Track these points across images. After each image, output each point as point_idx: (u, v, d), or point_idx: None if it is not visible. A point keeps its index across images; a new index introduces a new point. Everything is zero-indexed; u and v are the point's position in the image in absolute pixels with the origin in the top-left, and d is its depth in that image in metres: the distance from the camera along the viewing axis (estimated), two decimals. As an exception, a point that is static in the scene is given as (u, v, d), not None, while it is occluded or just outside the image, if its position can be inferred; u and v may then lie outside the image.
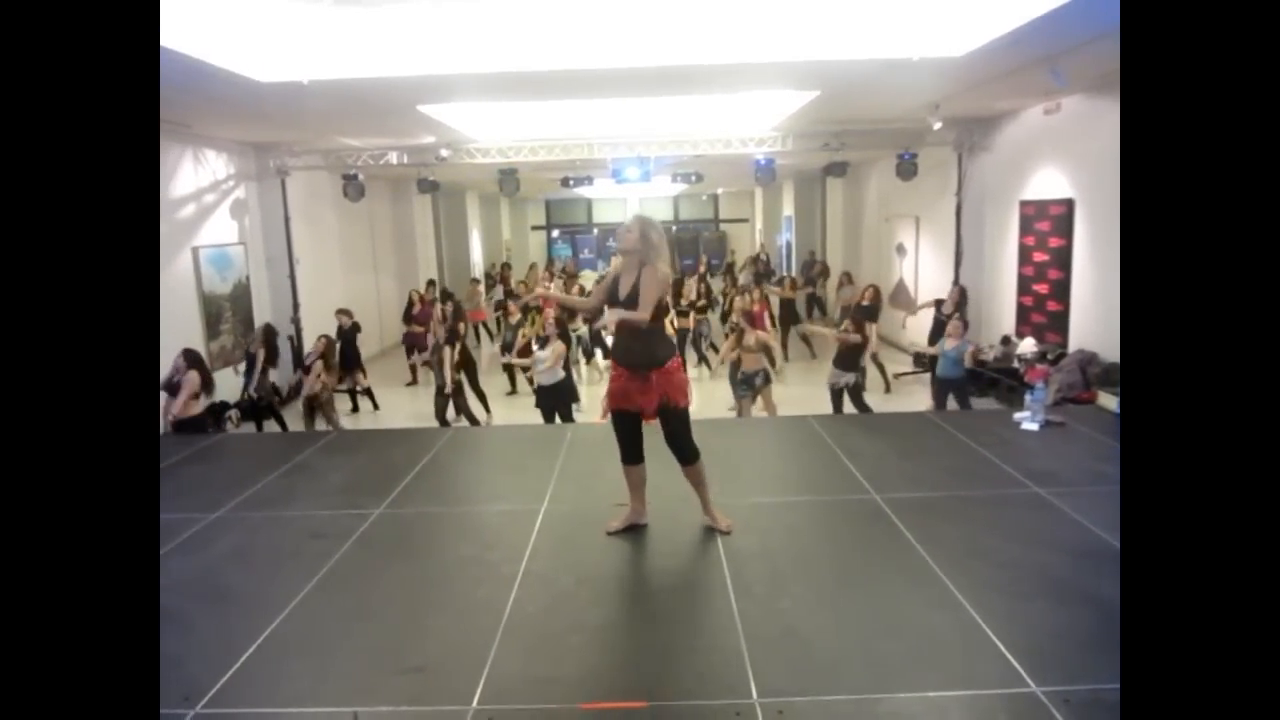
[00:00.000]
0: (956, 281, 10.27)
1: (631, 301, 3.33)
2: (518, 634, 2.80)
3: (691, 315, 11.37)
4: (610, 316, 3.33)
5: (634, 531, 3.65)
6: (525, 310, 9.64)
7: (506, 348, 9.96)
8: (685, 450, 3.48)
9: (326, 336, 8.52)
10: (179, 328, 8.25)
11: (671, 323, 11.93)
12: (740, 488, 4.16)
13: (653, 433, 3.55)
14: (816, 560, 3.34)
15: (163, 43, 5.03)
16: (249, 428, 8.79)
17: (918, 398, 9.61)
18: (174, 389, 6.04)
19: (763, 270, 16.05)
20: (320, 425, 7.90)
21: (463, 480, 4.62)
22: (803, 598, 2.98)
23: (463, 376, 8.61)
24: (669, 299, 12.27)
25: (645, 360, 3.37)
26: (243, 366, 8.97)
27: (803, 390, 10.07)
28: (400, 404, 10.55)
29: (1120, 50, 1.84)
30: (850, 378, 7.78)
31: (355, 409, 10.08)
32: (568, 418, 7.22)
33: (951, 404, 7.69)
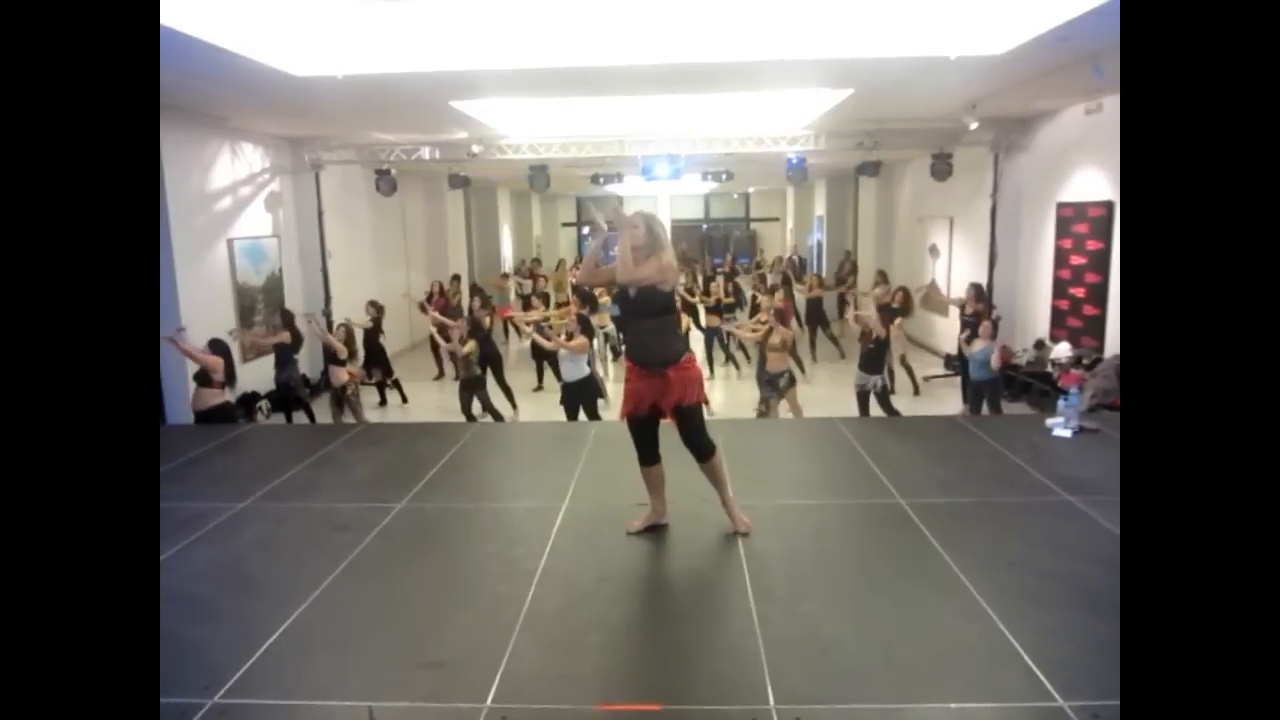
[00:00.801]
0: (990, 283, 10.11)
1: (647, 298, 3.33)
2: (535, 631, 2.79)
3: (712, 313, 11.32)
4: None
5: (655, 531, 3.62)
6: (546, 300, 9.68)
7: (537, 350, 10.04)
8: (701, 446, 3.45)
9: (346, 325, 8.57)
10: (213, 318, 8.39)
11: (698, 321, 11.91)
12: (764, 489, 4.11)
13: (672, 431, 3.52)
14: (840, 565, 3.29)
15: (200, 36, 5.11)
16: (279, 419, 8.91)
17: (948, 402, 9.48)
18: (205, 379, 6.12)
19: (792, 273, 15.93)
20: (347, 419, 7.96)
21: (485, 476, 4.62)
22: (825, 602, 2.94)
23: (487, 372, 8.64)
24: (691, 295, 12.26)
25: (661, 357, 3.35)
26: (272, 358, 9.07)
27: (831, 391, 9.99)
28: (428, 398, 10.63)
29: (1120, 59, 1.81)
30: (876, 380, 7.69)
31: (383, 402, 10.17)
32: (593, 414, 7.21)
33: (985, 408, 7.57)
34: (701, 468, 3.53)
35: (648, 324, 3.41)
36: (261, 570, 3.39)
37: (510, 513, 4.01)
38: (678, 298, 3.57)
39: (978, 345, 7.38)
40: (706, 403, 9.17)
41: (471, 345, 8.19)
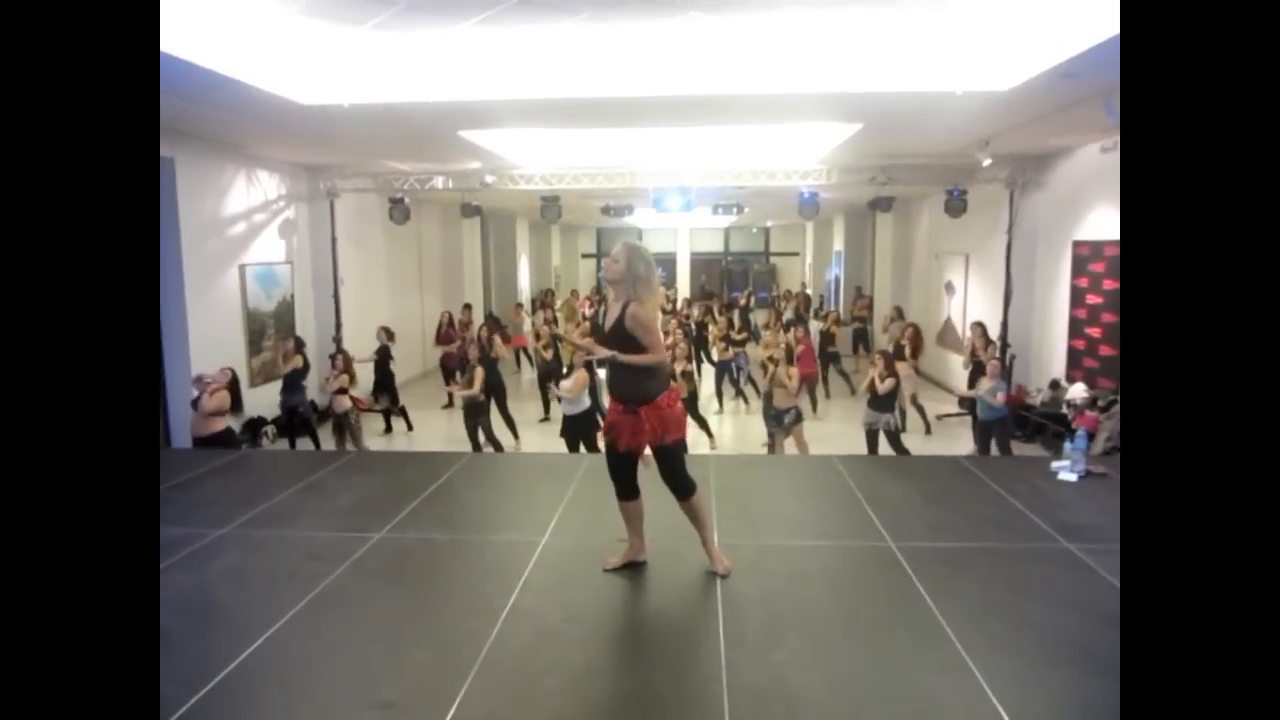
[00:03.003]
0: (1004, 321, 9.96)
1: (618, 334, 3.23)
2: (493, 673, 2.69)
3: (730, 348, 11.20)
4: (621, 358, 3.21)
5: (632, 569, 3.51)
6: (555, 338, 9.65)
7: (544, 376, 9.98)
8: (680, 485, 3.35)
9: (344, 351, 8.55)
10: (223, 343, 8.44)
11: (709, 355, 11.82)
12: (750, 528, 3.99)
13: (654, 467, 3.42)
14: (818, 610, 3.15)
15: (209, 66, 5.17)
16: (284, 444, 8.90)
17: (963, 441, 9.27)
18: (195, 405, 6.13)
19: (802, 309, 15.84)
20: (349, 446, 7.92)
21: (469, 507, 4.54)
22: (798, 650, 2.80)
23: (491, 401, 8.58)
24: (704, 330, 12.15)
25: (636, 394, 3.26)
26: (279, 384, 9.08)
27: (842, 428, 9.82)
28: (436, 426, 10.60)
29: (1120, 99, 1.79)
30: (887, 419, 7.53)
31: (388, 429, 10.15)
32: (592, 447, 7.12)
33: (995, 448, 7.39)
34: (681, 506, 3.42)
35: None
36: (227, 600, 3.32)
37: (488, 546, 3.92)
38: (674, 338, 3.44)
39: (984, 384, 7.23)
40: (711, 436, 9.02)
41: (479, 378, 8.10)
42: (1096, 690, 2.54)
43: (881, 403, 7.54)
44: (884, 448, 7.59)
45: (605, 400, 3.75)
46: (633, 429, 3.25)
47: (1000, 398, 7.14)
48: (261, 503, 4.52)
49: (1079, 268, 8.80)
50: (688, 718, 2.43)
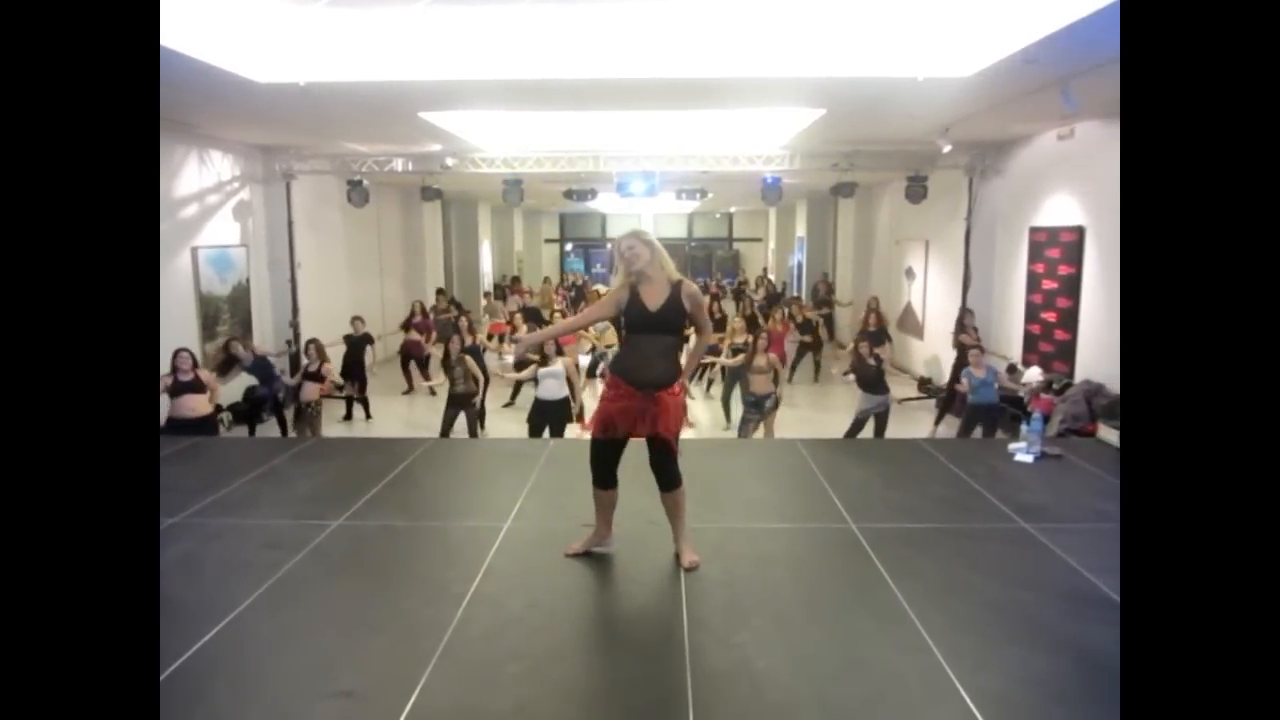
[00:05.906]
0: (963, 305, 10.11)
1: (672, 313, 3.20)
2: (455, 659, 2.66)
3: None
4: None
5: (595, 555, 3.49)
6: (535, 315, 9.53)
7: (520, 365, 9.88)
8: (672, 475, 3.30)
9: (316, 341, 8.37)
10: (175, 327, 8.19)
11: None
12: (712, 513, 3.99)
13: (630, 455, 3.38)
14: (781, 592, 3.17)
15: (163, 41, 4.99)
16: (241, 431, 8.72)
17: (922, 424, 9.40)
18: (172, 390, 6.00)
19: (771, 292, 15.90)
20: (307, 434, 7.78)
21: (430, 493, 4.48)
22: (761, 632, 2.82)
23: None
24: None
25: (661, 379, 3.20)
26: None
27: (811, 414, 9.92)
28: (397, 412, 10.47)
29: (1120, 79, 1.78)
30: (883, 402, 7.50)
31: (348, 416, 9.99)
32: (561, 434, 7.06)
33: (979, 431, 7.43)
34: (663, 497, 3.36)
35: (662, 341, 3.24)
36: (179, 591, 3.22)
37: (449, 532, 3.87)
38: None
39: (979, 372, 7.33)
40: (691, 424, 9.01)
41: (473, 367, 7.91)
42: (1051, 666, 2.60)
43: (878, 385, 7.50)
44: (866, 430, 7.55)
45: (591, 387, 3.71)
46: (643, 413, 3.19)
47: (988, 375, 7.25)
48: (216, 490, 4.41)
49: (1035, 253, 8.94)
50: (651, 701, 2.42)
